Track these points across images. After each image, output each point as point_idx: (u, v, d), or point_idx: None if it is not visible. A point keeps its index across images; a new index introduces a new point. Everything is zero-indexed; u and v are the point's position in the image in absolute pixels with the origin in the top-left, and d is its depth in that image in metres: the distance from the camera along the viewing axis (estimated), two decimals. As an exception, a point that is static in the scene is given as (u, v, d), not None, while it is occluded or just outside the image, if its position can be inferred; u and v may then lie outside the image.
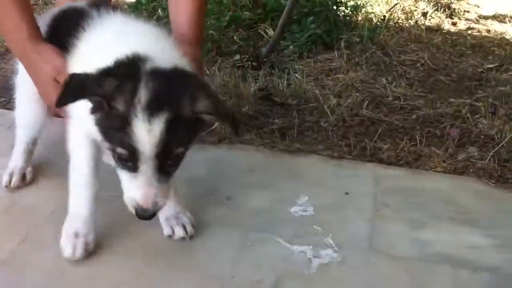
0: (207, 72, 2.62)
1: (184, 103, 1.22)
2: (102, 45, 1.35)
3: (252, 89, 2.39)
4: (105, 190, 1.47)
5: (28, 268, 1.42)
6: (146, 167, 1.23)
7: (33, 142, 1.79)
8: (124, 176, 1.28)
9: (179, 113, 1.21)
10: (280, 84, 2.50)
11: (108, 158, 1.77)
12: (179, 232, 1.54)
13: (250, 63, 2.75)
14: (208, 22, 3.03)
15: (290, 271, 1.44)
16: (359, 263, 1.47)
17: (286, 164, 1.91)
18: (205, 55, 2.81)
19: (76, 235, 1.45)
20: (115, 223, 1.56)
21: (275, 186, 1.78)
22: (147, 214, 1.28)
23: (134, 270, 1.42)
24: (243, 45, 2.92)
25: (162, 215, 1.54)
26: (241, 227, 1.59)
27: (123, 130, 1.19)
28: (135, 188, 1.26)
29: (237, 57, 2.85)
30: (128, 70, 1.23)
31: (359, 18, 3.32)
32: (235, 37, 3.02)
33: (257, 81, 2.50)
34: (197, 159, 1.89)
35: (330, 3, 3.19)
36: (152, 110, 1.19)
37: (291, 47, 2.96)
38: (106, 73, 1.23)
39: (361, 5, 3.41)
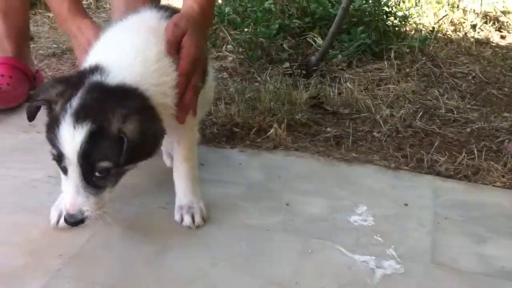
0: (258, 78, 2.63)
1: (111, 120, 1.30)
2: (95, 49, 1.51)
3: (303, 97, 2.39)
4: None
5: (96, 264, 1.44)
6: (72, 172, 1.33)
7: None
8: (62, 178, 1.38)
9: (104, 127, 1.30)
10: (331, 92, 2.50)
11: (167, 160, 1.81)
12: (187, 221, 1.58)
13: (299, 71, 2.76)
14: (258, 30, 3.05)
15: (353, 280, 1.43)
16: (422, 276, 1.46)
17: (342, 173, 1.91)
18: (255, 62, 2.83)
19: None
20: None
21: (332, 194, 1.78)
22: (71, 220, 1.36)
23: (199, 270, 1.43)
24: (292, 53, 2.93)
25: (177, 203, 1.62)
26: (301, 234, 1.59)
27: (54, 131, 1.32)
28: (65, 193, 1.37)
29: (287, 64, 2.86)
30: (78, 79, 1.38)
31: (407, 29, 3.31)
32: (284, 45, 3.02)
33: (307, 89, 2.50)
34: (254, 164, 1.92)
35: (380, 13, 3.17)
36: (77, 118, 1.29)
37: (339, 56, 2.96)
38: (62, 80, 1.42)
39: (409, 15, 3.39)
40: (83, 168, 1.33)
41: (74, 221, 1.36)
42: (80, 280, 1.39)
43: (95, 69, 1.40)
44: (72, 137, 1.30)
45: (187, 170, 1.62)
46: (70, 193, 1.36)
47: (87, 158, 1.32)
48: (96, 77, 1.37)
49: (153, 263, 1.46)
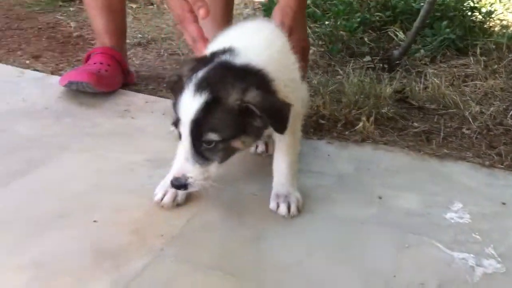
0: (340, 71, 2.63)
1: (230, 92, 1.36)
2: (224, 38, 1.59)
3: (388, 90, 2.37)
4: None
5: (197, 245, 1.48)
6: (184, 139, 1.40)
7: None
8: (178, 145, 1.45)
9: (220, 99, 1.36)
10: (416, 87, 2.47)
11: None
12: (282, 210, 1.60)
13: (381, 65, 2.73)
14: (338, 23, 3.04)
15: (452, 277, 1.42)
16: (525, 276, 1.43)
17: (434, 169, 1.89)
18: (336, 55, 2.83)
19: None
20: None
21: (425, 190, 1.77)
22: (176, 183, 1.43)
23: (295, 258, 1.45)
24: (373, 47, 2.90)
25: (274, 191, 1.64)
26: (396, 228, 1.58)
27: (178, 98, 1.40)
28: (176, 158, 1.45)
29: (368, 58, 2.84)
30: (209, 59, 1.46)
31: (491, 24, 3.22)
32: (364, 39, 3.00)
33: (391, 83, 2.48)
34: (342, 156, 1.92)
35: (464, 8, 3.10)
36: (198, 87, 1.37)
37: (422, 51, 2.91)
38: (195, 58, 1.54)
39: (494, 11, 3.30)
40: (193, 136, 1.40)
41: (178, 184, 1.43)
42: (182, 259, 1.43)
43: (226, 51, 1.47)
44: (189, 104, 1.38)
45: (290, 162, 1.64)
46: (180, 158, 1.43)
47: (197, 126, 1.39)
48: (225, 57, 1.45)
49: (251, 247, 1.49)
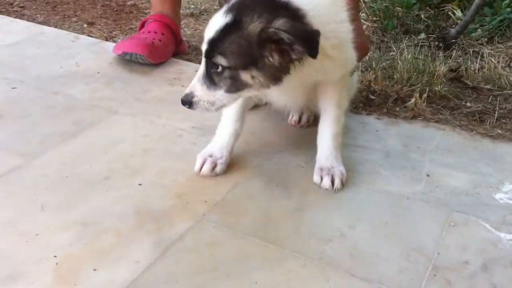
0: (393, 47, 2.57)
1: (256, 20, 1.33)
2: None
3: (443, 69, 2.30)
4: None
5: (239, 213, 1.49)
6: (203, 59, 1.41)
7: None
8: None
9: (243, 23, 1.33)
10: (472, 67, 2.39)
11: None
12: (326, 183, 1.58)
13: (436, 43, 2.65)
14: (395, -1, 2.96)
15: (498, 258, 1.38)
16: None
17: (486, 149, 1.83)
18: (390, 31, 2.76)
19: (210, 155, 1.61)
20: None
21: (476, 169, 1.72)
22: (183, 99, 1.46)
23: (337, 230, 1.44)
24: (429, 24, 2.82)
25: (318, 164, 1.62)
26: (442, 206, 1.55)
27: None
28: None
29: (422, 36, 2.76)
30: None
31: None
32: (421, 16, 2.92)
33: (446, 62, 2.40)
34: (391, 132, 1.89)
35: (528, -13, 2.97)
36: (227, 10, 1.37)
37: (479, 30, 2.81)
38: None
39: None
40: (206, 56, 1.41)
41: (185, 100, 1.45)
42: (224, 226, 1.43)
43: None
44: (214, 23, 1.39)
45: (334, 134, 1.62)
46: (195, 77, 1.45)
47: (212, 47, 1.39)
48: None
49: (293, 217, 1.48)
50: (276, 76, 1.40)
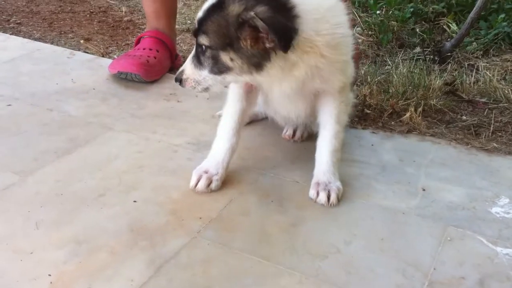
0: (388, 61, 2.58)
1: (237, 2, 1.36)
2: None
3: (438, 82, 2.30)
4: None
5: (234, 229, 1.48)
6: (195, 44, 1.46)
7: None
8: None
9: (225, 4, 1.37)
10: (467, 80, 2.40)
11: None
12: (322, 198, 1.58)
13: (432, 56, 2.66)
14: (390, 12, 2.98)
15: (494, 273, 1.37)
16: None
17: (482, 162, 1.83)
18: (385, 45, 2.77)
19: (205, 172, 1.61)
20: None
21: (472, 183, 1.71)
22: (176, 76, 1.54)
23: (333, 246, 1.43)
24: (425, 38, 2.83)
25: (314, 179, 1.61)
26: (439, 220, 1.54)
27: None
28: None
29: (418, 49, 2.77)
30: None
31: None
32: (416, 30, 2.93)
33: (441, 75, 2.41)
34: (387, 146, 1.88)
35: (523, 1, 2.99)
36: None
37: (474, 43, 2.82)
38: None
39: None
40: (194, 34, 1.46)
41: (176, 77, 1.54)
42: (219, 242, 1.43)
43: None
44: (204, 5, 1.44)
45: (333, 150, 1.62)
46: (187, 60, 1.52)
47: (199, 26, 1.44)
48: None
49: (288, 233, 1.48)
50: (255, 62, 1.41)
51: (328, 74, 1.51)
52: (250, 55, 1.40)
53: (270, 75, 1.44)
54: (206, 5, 1.43)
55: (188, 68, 1.50)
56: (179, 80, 1.52)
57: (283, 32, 1.33)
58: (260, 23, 1.32)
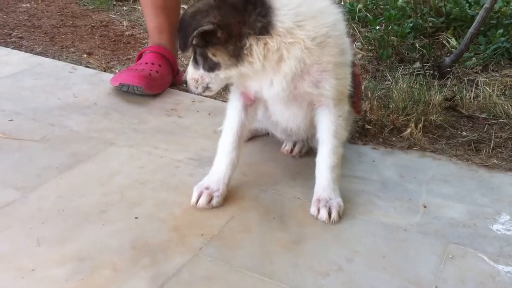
0: (388, 76, 2.59)
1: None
2: None
3: (438, 98, 2.31)
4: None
5: (236, 246, 1.48)
6: None
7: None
8: None
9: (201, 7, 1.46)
10: (467, 95, 2.41)
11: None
12: (323, 215, 1.58)
13: (431, 71, 2.68)
14: (389, 28, 3.00)
15: (496, 290, 1.37)
16: None
17: (483, 179, 1.83)
18: (385, 60, 2.79)
19: (206, 188, 1.62)
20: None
21: (473, 200, 1.72)
22: (183, 78, 1.63)
23: (335, 264, 1.43)
24: (424, 53, 2.85)
25: (315, 196, 1.61)
26: (440, 237, 1.54)
27: None
28: None
29: (417, 64, 2.79)
30: None
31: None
32: (416, 45, 2.95)
33: (441, 90, 2.42)
34: (387, 162, 1.89)
35: (522, 16, 3.01)
36: None
37: (473, 59, 2.84)
38: None
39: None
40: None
41: (183, 79, 1.63)
42: (221, 259, 1.43)
43: None
44: None
45: (332, 166, 1.63)
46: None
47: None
48: None
49: (290, 250, 1.48)
50: (233, 52, 1.47)
51: (318, 75, 1.52)
52: (225, 46, 1.46)
53: (254, 65, 1.48)
54: None
55: (189, 69, 1.57)
56: (185, 82, 1.61)
57: (184, 32, 1.46)
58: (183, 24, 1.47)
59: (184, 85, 1.62)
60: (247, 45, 1.45)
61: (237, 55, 1.47)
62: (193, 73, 1.56)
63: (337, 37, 1.53)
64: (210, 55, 1.48)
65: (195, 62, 1.54)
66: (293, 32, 1.45)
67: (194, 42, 1.47)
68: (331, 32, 1.51)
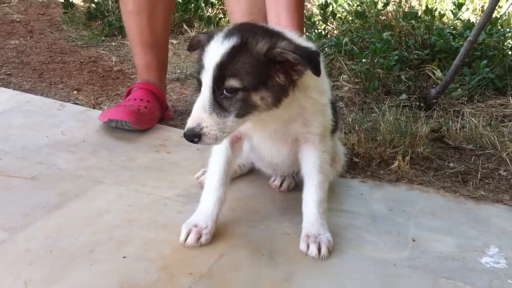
0: (375, 109, 2.61)
1: (261, 40, 1.39)
2: None
3: (425, 130, 2.34)
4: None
5: (226, 285, 1.47)
6: (205, 87, 1.38)
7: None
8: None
9: (251, 44, 1.38)
10: (453, 127, 2.43)
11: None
12: (312, 251, 1.58)
13: (418, 103, 2.71)
14: (375, 60, 3.03)
15: (487, 325, 1.36)
16: None
17: (471, 211, 1.84)
18: (372, 92, 2.82)
19: (195, 225, 1.61)
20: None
21: (461, 233, 1.73)
22: (189, 133, 1.38)
23: (325, 302, 1.42)
24: (410, 85, 2.88)
25: (304, 231, 1.62)
26: (430, 272, 1.55)
27: (204, 49, 1.42)
28: (193, 110, 1.41)
29: (404, 96, 2.82)
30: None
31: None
32: (401, 77, 2.98)
33: (428, 122, 2.45)
34: (376, 196, 1.90)
35: (505, 48, 3.06)
36: (227, 34, 1.41)
37: (459, 90, 2.87)
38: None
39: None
40: (214, 81, 1.39)
41: (192, 134, 1.39)
42: (210, 299, 1.41)
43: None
44: (216, 48, 1.40)
45: (319, 201, 1.64)
46: (196, 108, 1.40)
47: (221, 71, 1.38)
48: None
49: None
50: (279, 97, 1.44)
51: (311, 115, 1.56)
52: (276, 91, 1.43)
53: (280, 109, 1.48)
54: (220, 49, 1.40)
55: (206, 119, 1.39)
56: (198, 136, 1.39)
57: (311, 57, 1.39)
58: (291, 55, 1.38)
59: (195, 141, 1.40)
60: (290, 92, 1.47)
61: (279, 100, 1.45)
62: (217, 123, 1.38)
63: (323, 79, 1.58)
64: (255, 99, 1.41)
65: (222, 109, 1.39)
66: (306, 81, 1.49)
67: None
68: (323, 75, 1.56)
